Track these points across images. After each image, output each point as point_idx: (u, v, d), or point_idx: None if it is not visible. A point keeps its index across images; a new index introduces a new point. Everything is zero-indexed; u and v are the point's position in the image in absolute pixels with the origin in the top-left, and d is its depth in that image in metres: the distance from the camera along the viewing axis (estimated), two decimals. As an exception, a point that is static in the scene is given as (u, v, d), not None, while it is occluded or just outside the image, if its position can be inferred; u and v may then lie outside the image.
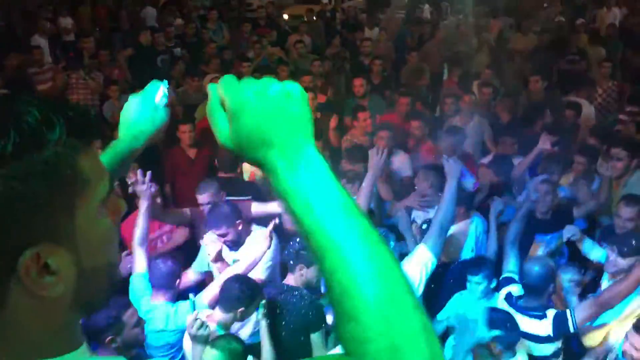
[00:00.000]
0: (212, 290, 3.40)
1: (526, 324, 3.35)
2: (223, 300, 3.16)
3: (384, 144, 4.84)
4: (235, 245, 3.88)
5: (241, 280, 3.24)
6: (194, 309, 3.23)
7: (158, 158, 5.53)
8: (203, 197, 4.24)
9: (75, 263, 0.78)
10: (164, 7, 17.24)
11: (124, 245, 3.87)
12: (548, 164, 4.92)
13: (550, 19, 12.46)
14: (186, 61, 8.74)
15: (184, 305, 3.41)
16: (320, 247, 0.76)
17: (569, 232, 4.14)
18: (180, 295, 3.64)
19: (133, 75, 8.11)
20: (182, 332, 3.23)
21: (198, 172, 5.24)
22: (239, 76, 0.84)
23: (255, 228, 3.99)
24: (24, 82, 8.24)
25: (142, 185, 3.63)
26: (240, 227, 3.84)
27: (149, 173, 3.68)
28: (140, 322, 2.89)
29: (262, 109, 0.80)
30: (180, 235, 4.49)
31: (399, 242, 4.07)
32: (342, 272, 0.75)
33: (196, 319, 2.92)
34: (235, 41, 11.01)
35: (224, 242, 3.80)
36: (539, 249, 4.32)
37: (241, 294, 3.12)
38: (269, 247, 3.54)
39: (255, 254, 3.51)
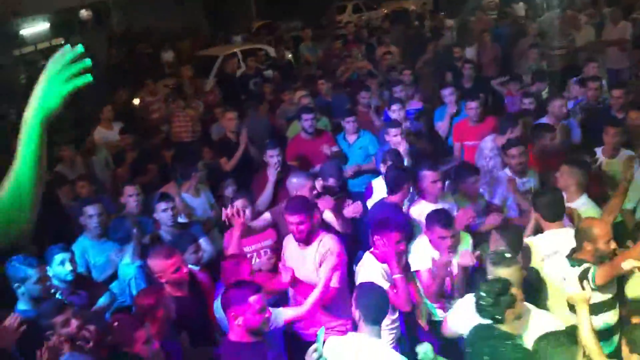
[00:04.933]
0: None
1: None
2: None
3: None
4: (305, 241, 3.97)
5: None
6: None
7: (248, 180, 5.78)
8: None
9: None
10: (257, 31, 17.90)
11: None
12: None
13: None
14: (277, 82, 8.97)
15: None
16: None
17: None
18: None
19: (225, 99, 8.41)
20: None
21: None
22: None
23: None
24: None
25: (235, 216, 4.09)
26: (315, 220, 4.07)
27: (237, 204, 4.27)
28: None
29: None
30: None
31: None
32: None
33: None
34: (327, 59, 11.12)
35: (297, 232, 3.93)
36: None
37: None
38: None
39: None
